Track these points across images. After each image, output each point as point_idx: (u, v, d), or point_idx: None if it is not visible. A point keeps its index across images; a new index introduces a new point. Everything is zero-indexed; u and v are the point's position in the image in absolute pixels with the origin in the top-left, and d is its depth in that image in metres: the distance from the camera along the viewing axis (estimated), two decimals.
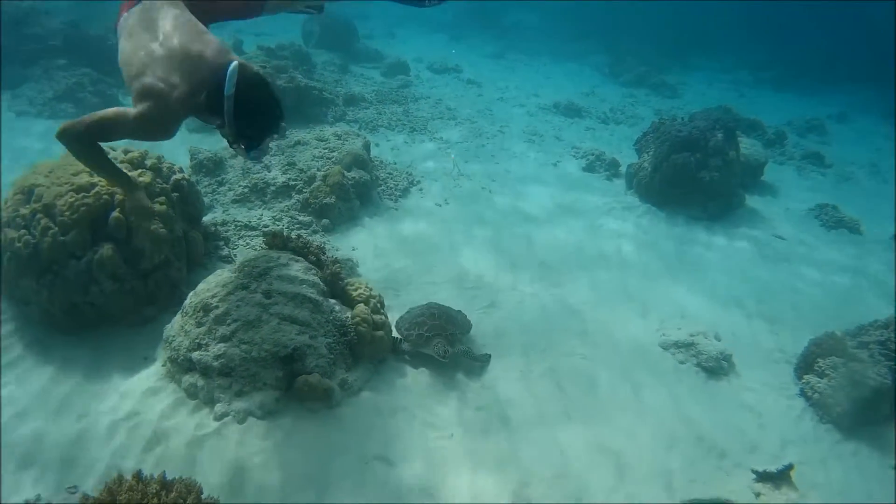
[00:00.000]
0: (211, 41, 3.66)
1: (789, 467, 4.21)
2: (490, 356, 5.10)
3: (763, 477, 4.22)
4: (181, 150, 7.53)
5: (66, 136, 3.55)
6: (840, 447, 4.97)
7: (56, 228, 4.40)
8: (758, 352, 5.96)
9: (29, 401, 4.04)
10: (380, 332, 4.66)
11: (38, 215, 4.45)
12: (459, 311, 5.38)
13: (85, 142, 3.62)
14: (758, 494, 4.12)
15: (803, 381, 5.48)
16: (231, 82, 3.38)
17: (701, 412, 5.02)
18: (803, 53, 22.75)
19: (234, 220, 6.39)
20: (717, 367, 5.50)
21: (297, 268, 4.57)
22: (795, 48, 23.25)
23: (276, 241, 4.87)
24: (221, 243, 5.91)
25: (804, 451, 4.81)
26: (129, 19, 3.69)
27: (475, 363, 5.03)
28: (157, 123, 3.50)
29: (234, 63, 3.45)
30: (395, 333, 5.02)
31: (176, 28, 3.60)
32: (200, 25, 3.74)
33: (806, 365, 5.58)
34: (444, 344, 4.81)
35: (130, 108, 3.47)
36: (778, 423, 5.09)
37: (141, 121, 3.44)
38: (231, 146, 3.70)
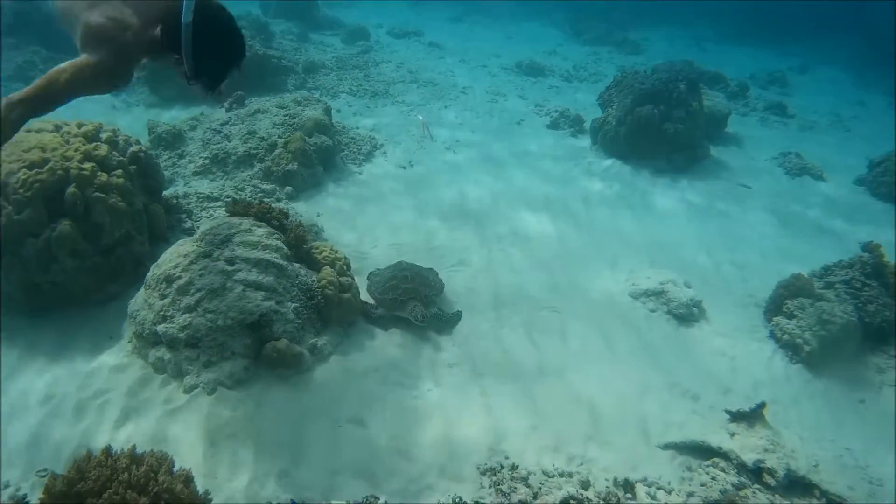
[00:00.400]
0: None
1: (762, 406, 4.26)
2: (461, 313, 5.09)
3: (736, 417, 4.27)
4: (139, 124, 7.34)
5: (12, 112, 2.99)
6: (811, 385, 5.06)
7: (10, 207, 4.26)
8: (728, 297, 6.03)
9: None
10: (347, 295, 4.61)
11: None
12: (431, 270, 5.35)
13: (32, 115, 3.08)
14: (732, 434, 4.17)
15: (773, 322, 5.55)
16: (189, 9, 3.02)
17: (673, 358, 5.07)
18: (764, 6, 22.76)
19: (195, 192, 6.26)
20: (687, 314, 5.55)
21: (260, 233, 4.49)
22: (755, 4, 23.26)
23: (238, 208, 4.77)
24: (184, 216, 5.80)
25: (776, 392, 4.89)
26: None
27: (448, 323, 5.00)
28: (114, 69, 3.11)
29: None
30: (365, 296, 4.97)
31: None
32: None
33: (775, 307, 5.65)
34: (420, 307, 4.77)
35: (80, 59, 3.03)
36: (749, 366, 5.17)
37: (97, 69, 3.03)
38: (189, 84, 3.29)
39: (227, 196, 6.27)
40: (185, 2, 3.01)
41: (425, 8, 21.05)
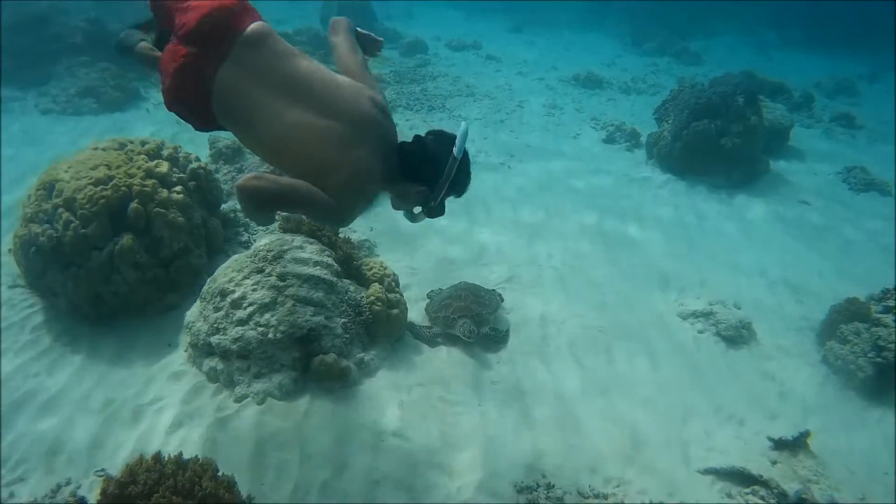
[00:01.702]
0: (373, 85, 2.96)
1: (806, 434, 4.18)
2: (508, 332, 5.13)
3: (779, 445, 4.20)
4: (202, 138, 7.64)
5: (247, 199, 3.03)
6: (864, 414, 4.91)
7: (77, 221, 4.52)
8: (780, 320, 5.90)
9: (58, 390, 4.18)
10: (395, 311, 4.72)
11: (60, 209, 4.58)
12: (491, 291, 5.43)
13: (267, 210, 2.85)
14: (774, 462, 4.11)
15: (826, 347, 5.41)
16: (462, 143, 2.79)
17: (719, 381, 5.01)
18: (832, 11, 22.01)
19: None
20: (736, 336, 5.47)
21: (311, 250, 4.64)
22: (824, 5, 22.51)
23: (290, 225, 4.94)
24: (241, 229, 6.02)
25: (827, 419, 4.76)
26: (230, 85, 2.65)
27: (495, 342, 5.08)
28: (351, 214, 2.83)
29: (465, 123, 2.91)
30: (421, 316, 5.12)
31: (332, 83, 2.78)
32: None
33: (828, 331, 5.50)
34: (470, 324, 4.86)
35: (323, 196, 2.63)
36: (799, 391, 5.05)
37: (334, 214, 2.73)
38: (420, 214, 3.08)
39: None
40: (461, 134, 2.80)
41: (482, 18, 21.18)
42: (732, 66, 14.00)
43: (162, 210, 4.75)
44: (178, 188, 4.95)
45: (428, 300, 5.34)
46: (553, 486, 3.77)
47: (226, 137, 7.63)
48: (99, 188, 4.57)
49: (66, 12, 11.02)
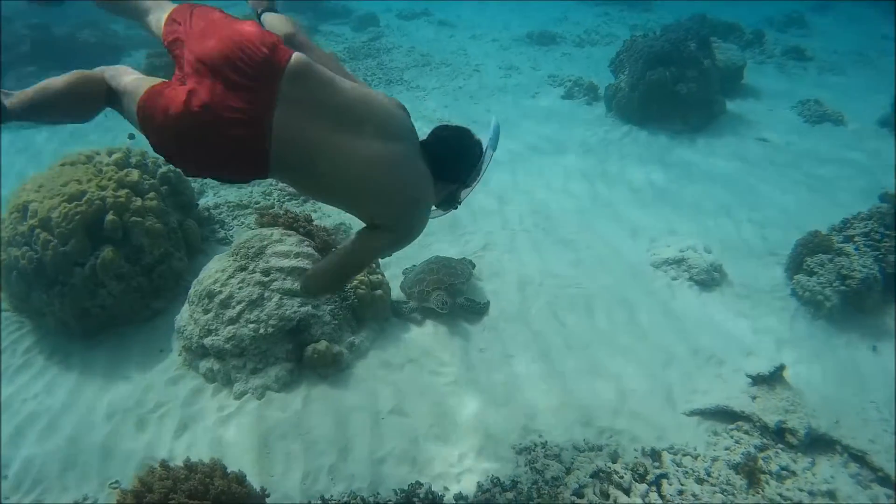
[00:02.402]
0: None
1: (781, 368, 4.42)
2: (489, 303, 5.29)
3: (757, 380, 4.43)
4: None
5: (320, 294, 3.15)
6: (833, 340, 5.17)
7: (55, 240, 4.55)
8: (749, 258, 6.14)
9: (59, 408, 4.25)
10: (379, 292, 4.86)
11: (37, 230, 4.59)
12: (461, 260, 5.55)
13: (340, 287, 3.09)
14: (754, 398, 4.33)
15: (794, 281, 5.63)
16: (497, 137, 2.84)
17: (696, 325, 5.23)
18: None
19: (225, 202, 6.54)
20: (708, 279, 5.68)
21: (291, 241, 4.73)
22: None
23: (266, 219, 5.02)
24: (217, 226, 6.08)
25: (800, 350, 5.01)
26: (287, 132, 2.19)
27: (475, 312, 5.22)
28: (421, 229, 2.70)
29: (494, 117, 2.93)
30: (395, 294, 5.21)
31: (373, 100, 2.51)
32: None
33: (795, 265, 5.73)
34: (443, 296, 4.99)
35: (376, 237, 2.55)
36: (772, 326, 5.29)
37: (404, 240, 2.63)
38: (437, 210, 2.94)
39: (256, 202, 6.53)
40: (494, 128, 2.87)
41: None
42: (685, 10, 14.08)
43: (138, 219, 4.79)
44: (152, 194, 4.99)
45: (403, 277, 5.47)
46: (547, 443, 3.96)
47: None
48: (73, 204, 4.60)
49: (8, 19, 10.78)
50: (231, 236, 5.96)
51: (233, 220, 6.31)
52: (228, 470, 3.27)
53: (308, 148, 2.21)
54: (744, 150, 8.43)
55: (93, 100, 2.46)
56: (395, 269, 5.61)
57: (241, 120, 2.08)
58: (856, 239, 5.69)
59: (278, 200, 6.63)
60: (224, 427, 4.07)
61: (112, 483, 3.75)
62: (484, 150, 2.76)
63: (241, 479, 3.24)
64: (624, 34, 13.07)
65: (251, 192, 6.81)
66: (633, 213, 6.84)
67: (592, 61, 12.39)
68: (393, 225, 2.49)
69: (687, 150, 8.43)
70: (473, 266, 5.58)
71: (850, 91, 10.77)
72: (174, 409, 4.22)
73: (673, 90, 8.66)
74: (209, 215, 6.13)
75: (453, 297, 5.06)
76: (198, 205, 5.94)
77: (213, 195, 6.88)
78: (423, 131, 2.71)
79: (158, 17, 2.49)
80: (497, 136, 2.81)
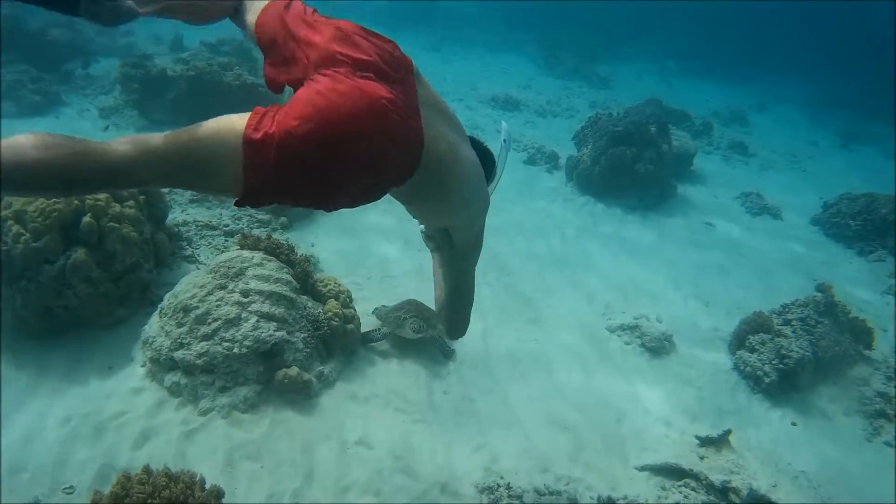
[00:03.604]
0: None
1: (728, 432, 4.71)
2: (454, 350, 5.42)
3: (705, 442, 4.70)
4: None
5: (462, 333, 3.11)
6: (770, 413, 5.54)
7: (28, 235, 4.47)
8: (695, 331, 6.50)
9: (10, 407, 4.10)
10: (350, 326, 4.93)
11: (10, 222, 4.51)
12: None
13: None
14: (702, 458, 4.59)
15: (736, 356, 6.02)
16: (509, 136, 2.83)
17: (647, 388, 5.49)
18: (725, 45, 23.88)
19: (194, 221, 6.51)
20: (659, 347, 6.00)
21: (271, 267, 4.79)
22: (718, 39, 24.39)
23: (249, 242, 5.06)
24: (184, 243, 6.04)
25: (739, 419, 5.34)
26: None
27: (442, 354, 5.34)
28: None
29: (504, 123, 2.94)
30: (366, 325, 5.29)
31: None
32: None
33: (738, 342, 6.13)
34: (420, 321, 5.10)
35: (461, 256, 2.71)
36: (715, 395, 5.62)
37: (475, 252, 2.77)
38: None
39: (226, 225, 6.53)
40: (504, 129, 2.86)
41: (403, 37, 21.48)
42: (639, 91, 14.99)
43: (115, 224, 4.76)
44: (131, 202, 4.97)
45: (374, 314, 5.55)
46: (511, 485, 4.08)
47: None
48: (51, 201, 4.55)
49: None
50: (198, 255, 5.94)
51: (200, 238, 6.28)
52: (207, 485, 3.27)
53: (440, 145, 2.00)
54: (692, 232, 8.96)
55: None
56: (362, 304, 5.69)
57: (411, 113, 1.87)
58: (793, 323, 6.14)
59: (247, 226, 6.65)
60: (187, 442, 4.02)
61: (66, 488, 3.64)
62: (499, 150, 2.72)
63: (219, 494, 3.24)
64: (583, 108, 13.76)
65: (220, 215, 6.80)
66: (589, 278, 7.16)
67: (553, 131, 12.94)
68: (470, 231, 2.54)
69: (640, 226, 8.88)
70: None
71: (785, 189, 11.59)
72: (134, 419, 4.13)
73: (632, 168, 9.15)
74: (178, 231, 6.10)
75: (428, 328, 5.17)
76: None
77: (180, 212, 6.84)
78: None
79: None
80: (510, 138, 2.86)
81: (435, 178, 2.03)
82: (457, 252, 2.63)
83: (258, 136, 1.71)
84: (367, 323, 5.45)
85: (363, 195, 1.94)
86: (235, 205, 1.80)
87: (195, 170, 1.76)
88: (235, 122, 1.76)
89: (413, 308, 5.26)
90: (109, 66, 11.51)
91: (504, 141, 2.82)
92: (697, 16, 27.16)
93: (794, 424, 5.45)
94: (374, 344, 5.24)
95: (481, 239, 2.72)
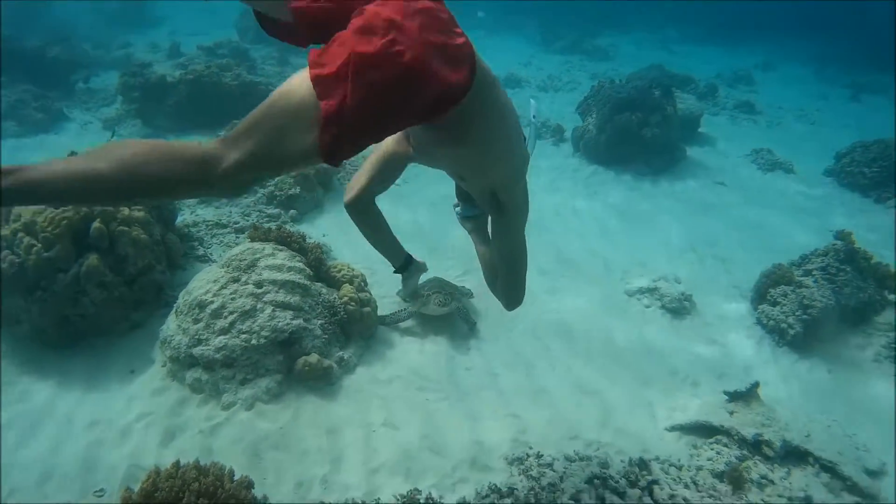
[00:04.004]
0: None
1: (756, 385, 4.63)
2: (476, 324, 5.39)
3: (734, 396, 4.63)
4: None
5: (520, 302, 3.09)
6: (797, 366, 5.45)
7: (39, 245, 4.48)
8: (715, 289, 6.41)
9: (37, 416, 4.13)
10: (367, 309, 4.91)
11: (20, 234, 4.52)
12: (461, 287, 5.66)
13: None
14: (731, 413, 4.52)
15: (759, 310, 5.93)
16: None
17: (671, 349, 5.43)
18: (727, 6, 23.54)
19: (203, 220, 6.51)
20: (679, 308, 5.92)
21: (283, 256, 4.76)
22: (719, 5, 24.03)
23: (259, 234, 5.04)
24: (196, 243, 6.05)
25: (766, 374, 5.26)
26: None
27: (465, 325, 5.33)
28: None
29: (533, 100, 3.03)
30: (383, 308, 5.27)
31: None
32: None
33: (759, 296, 6.03)
34: (444, 296, 5.11)
35: (509, 218, 2.64)
36: (740, 351, 5.55)
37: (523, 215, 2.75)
38: None
39: (235, 222, 6.53)
40: (534, 105, 2.94)
41: None
42: (640, 61, 14.79)
43: (125, 228, 4.76)
44: (139, 206, 4.97)
45: (398, 294, 5.58)
46: (541, 454, 4.04)
47: None
48: (60, 210, 4.54)
49: None
50: (210, 254, 5.94)
51: (211, 238, 6.28)
52: (236, 476, 3.26)
53: (482, 63, 1.96)
54: (704, 193, 8.84)
55: None
56: (377, 289, 5.66)
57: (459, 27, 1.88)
58: (814, 273, 6.03)
59: (257, 221, 6.64)
60: (213, 437, 4.02)
61: (97, 491, 3.65)
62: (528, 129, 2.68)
63: (249, 485, 3.24)
64: (586, 81, 13.62)
65: (230, 212, 6.81)
66: (604, 246, 7.09)
67: (557, 105, 12.81)
68: (517, 187, 2.51)
69: (652, 190, 8.79)
70: (472, 295, 5.69)
71: (796, 143, 11.42)
72: (159, 418, 4.14)
73: (638, 134, 9.05)
74: (189, 231, 6.11)
75: (453, 300, 5.17)
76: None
77: (189, 213, 6.84)
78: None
79: None
80: (539, 116, 2.87)
81: (486, 103, 1.99)
82: (506, 215, 2.55)
83: (326, 70, 1.63)
84: (384, 306, 5.44)
85: (434, 107, 1.80)
86: (323, 156, 1.69)
87: (275, 134, 1.68)
88: (297, 74, 1.71)
89: (436, 285, 5.28)
90: (109, 79, 11.55)
91: (534, 117, 2.85)
92: None
93: (829, 372, 5.37)
94: (400, 324, 5.23)
95: (527, 200, 2.67)
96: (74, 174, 1.54)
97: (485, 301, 5.73)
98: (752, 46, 20.51)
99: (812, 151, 10.81)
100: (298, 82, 1.67)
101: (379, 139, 1.87)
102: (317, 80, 1.62)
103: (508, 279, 2.89)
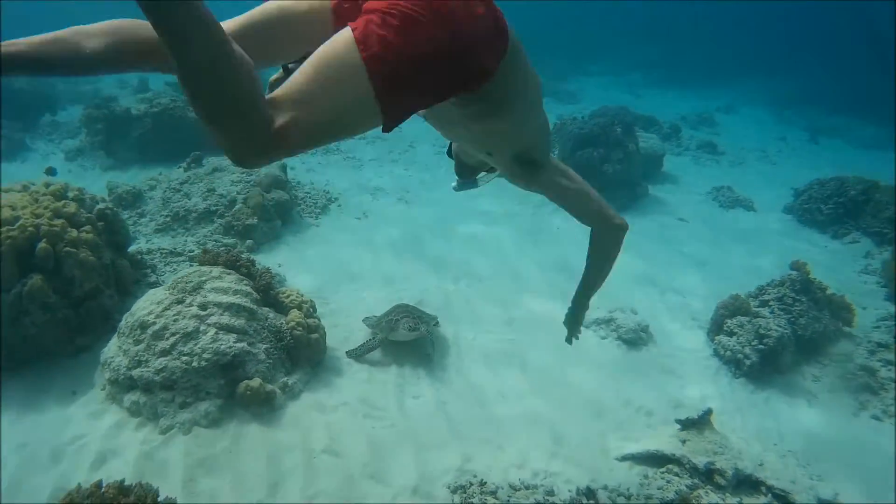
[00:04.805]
0: None
1: (709, 412, 4.58)
2: (434, 349, 5.36)
3: (686, 424, 4.57)
4: (96, 187, 7.48)
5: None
6: (754, 396, 5.42)
7: None
8: (673, 321, 6.41)
9: None
10: (315, 335, 4.83)
11: None
12: (429, 314, 5.62)
13: None
14: (684, 441, 4.47)
15: (715, 341, 5.92)
16: None
17: (626, 380, 5.38)
18: (690, 53, 24.19)
19: (158, 248, 6.43)
20: (636, 338, 5.90)
21: (230, 279, 4.69)
22: (683, 48, 24.72)
23: (207, 257, 4.98)
24: (148, 271, 5.95)
25: (723, 404, 5.20)
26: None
27: (429, 350, 5.28)
28: None
29: None
30: (332, 343, 5.19)
31: None
32: None
33: (716, 327, 6.04)
34: (412, 320, 5.05)
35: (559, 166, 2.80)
36: (697, 383, 5.51)
37: None
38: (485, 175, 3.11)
39: (190, 251, 6.45)
40: None
41: None
42: (606, 103, 15.02)
43: (72, 249, 4.67)
44: (88, 227, 4.90)
45: (365, 322, 5.52)
46: (485, 482, 3.96)
47: (125, 183, 7.55)
48: (5, 229, 4.46)
49: None
50: (162, 281, 5.83)
51: (165, 265, 6.19)
52: (161, 498, 3.14)
53: (518, 46, 1.96)
54: (665, 228, 8.91)
55: None
56: (329, 318, 5.59)
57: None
58: (770, 303, 6.07)
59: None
60: (147, 461, 3.89)
61: None
62: None
63: None
64: (551, 121, 13.76)
65: (185, 242, 6.74)
66: (564, 279, 7.06)
67: None
68: (548, 148, 2.55)
69: None
70: (437, 323, 5.63)
71: (756, 181, 11.62)
72: (93, 441, 4.01)
73: (600, 169, 9.14)
74: (141, 259, 6.01)
75: (421, 323, 5.12)
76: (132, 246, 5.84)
77: (145, 241, 6.76)
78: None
79: None
80: None
81: (518, 66, 1.98)
82: (549, 167, 2.61)
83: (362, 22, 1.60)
84: (337, 336, 5.37)
85: (477, 72, 1.79)
86: (385, 113, 1.62)
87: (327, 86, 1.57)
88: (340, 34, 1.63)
89: (402, 310, 5.24)
90: (76, 112, 11.48)
91: None
92: (660, 23, 27.60)
93: (786, 403, 5.37)
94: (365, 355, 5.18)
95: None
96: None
97: (439, 330, 5.68)
98: (716, 89, 20.94)
99: (773, 190, 10.98)
100: (338, 40, 1.61)
101: (429, 93, 1.75)
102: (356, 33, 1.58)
103: (595, 205, 2.83)
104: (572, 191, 2.76)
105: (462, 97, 1.85)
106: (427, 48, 1.61)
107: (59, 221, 4.67)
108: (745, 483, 4.23)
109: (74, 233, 4.75)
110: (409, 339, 5.14)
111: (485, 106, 1.97)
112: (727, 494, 4.12)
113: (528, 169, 2.52)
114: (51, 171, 8.84)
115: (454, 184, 3.17)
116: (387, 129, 1.71)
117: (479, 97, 1.88)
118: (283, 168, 8.16)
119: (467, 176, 3.07)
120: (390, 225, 8.17)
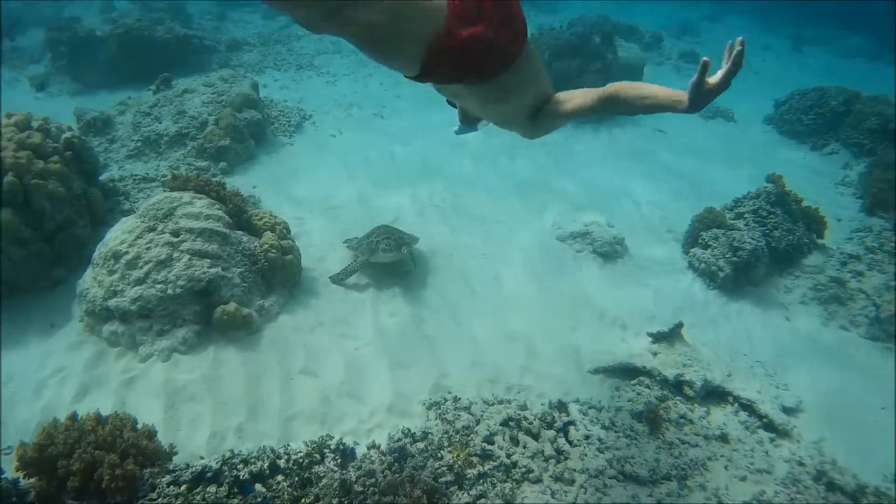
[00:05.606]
0: None
1: (679, 326, 4.69)
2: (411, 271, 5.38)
3: (658, 338, 4.69)
4: (65, 113, 7.29)
5: None
6: (727, 308, 5.54)
7: None
8: (648, 234, 6.47)
9: None
10: (289, 257, 4.84)
11: None
12: (409, 233, 5.59)
13: None
14: (655, 354, 4.59)
15: (690, 254, 5.99)
16: None
17: (600, 293, 5.47)
18: None
19: (131, 175, 6.34)
20: (611, 251, 5.96)
21: (201, 204, 4.65)
22: None
23: (177, 183, 4.91)
24: (122, 198, 5.88)
25: (696, 316, 5.32)
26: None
27: (407, 271, 5.31)
28: None
29: None
30: (307, 262, 5.19)
31: None
32: None
33: (691, 240, 6.10)
34: (391, 241, 5.05)
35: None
36: (670, 295, 5.62)
37: None
38: None
39: (163, 176, 6.36)
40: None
41: None
42: (587, 13, 14.59)
43: (40, 181, 4.59)
44: (55, 158, 4.79)
45: (346, 244, 5.54)
46: (459, 398, 4.06)
47: (93, 109, 7.37)
48: None
49: None
50: (136, 208, 5.77)
51: (138, 192, 6.11)
52: (139, 424, 3.20)
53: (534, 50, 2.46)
54: (644, 140, 8.86)
55: None
56: (304, 239, 5.58)
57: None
58: (745, 216, 6.11)
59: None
60: (128, 390, 3.97)
61: (5, 449, 3.58)
62: None
63: (150, 434, 3.17)
64: (530, 31, 13.42)
65: (158, 167, 6.64)
66: (539, 191, 7.07)
67: None
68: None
69: (590, 138, 8.78)
70: (417, 239, 5.61)
71: (738, 92, 11.38)
72: (74, 373, 4.07)
73: (577, 80, 8.96)
74: (114, 187, 5.92)
75: (401, 245, 5.11)
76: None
77: (117, 168, 6.66)
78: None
79: None
80: None
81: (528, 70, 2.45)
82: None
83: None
84: (312, 256, 5.38)
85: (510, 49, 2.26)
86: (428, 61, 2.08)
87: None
88: None
89: (383, 231, 5.23)
90: (36, 36, 11.05)
91: None
92: None
93: (758, 314, 5.49)
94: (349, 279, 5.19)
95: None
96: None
97: (417, 246, 5.68)
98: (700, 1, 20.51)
99: (754, 100, 10.86)
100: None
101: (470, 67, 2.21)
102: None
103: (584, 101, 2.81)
104: (565, 111, 2.80)
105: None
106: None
107: (24, 153, 4.57)
108: (714, 394, 4.38)
109: (41, 164, 4.65)
110: (388, 261, 5.16)
111: (500, 84, 2.37)
112: (695, 405, 4.27)
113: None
114: (41, 86, 8.66)
115: (455, 128, 3.71)
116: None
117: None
118: (255, 86, 7.96)
119: (470, 122, 3.59)
120: (366, 140, 8.07)
